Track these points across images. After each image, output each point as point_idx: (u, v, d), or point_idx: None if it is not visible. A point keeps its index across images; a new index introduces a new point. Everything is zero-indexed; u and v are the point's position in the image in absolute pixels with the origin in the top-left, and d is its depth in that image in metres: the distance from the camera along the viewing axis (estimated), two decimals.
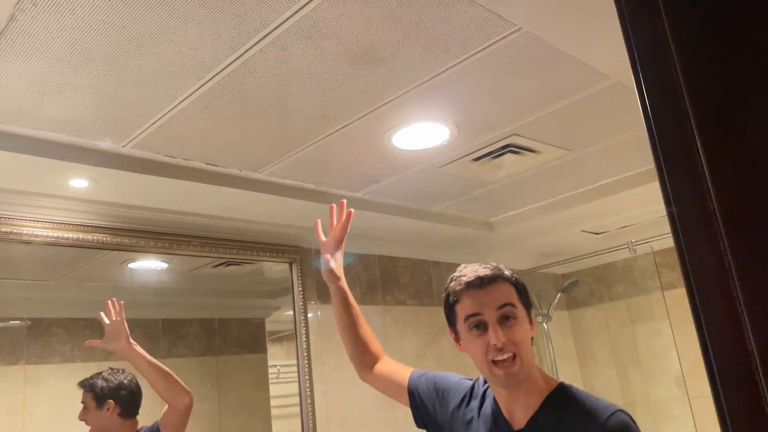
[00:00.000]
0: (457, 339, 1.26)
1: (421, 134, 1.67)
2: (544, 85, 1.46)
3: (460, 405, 1.32)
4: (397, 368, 1.51)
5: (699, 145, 0.59)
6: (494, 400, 1.25)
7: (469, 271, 1.22)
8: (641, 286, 3.20)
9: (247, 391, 2.36)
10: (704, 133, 0.58)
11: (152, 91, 1.30)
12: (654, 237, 2.56)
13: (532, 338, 1.22)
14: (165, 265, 2.18)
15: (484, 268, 1.21)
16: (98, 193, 1.70)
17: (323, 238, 1.56)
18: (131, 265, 2.13)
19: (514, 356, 1.15)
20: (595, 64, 1.38)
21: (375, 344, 1.57)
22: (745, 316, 0.55)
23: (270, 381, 2.34)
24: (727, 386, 0.56)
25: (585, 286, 3.42)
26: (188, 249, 2.01)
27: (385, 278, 2.65)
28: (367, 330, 1.60)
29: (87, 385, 1.77)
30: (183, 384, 1.78)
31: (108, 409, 1.78)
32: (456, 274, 1.24)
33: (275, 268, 2.39)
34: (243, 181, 1.78)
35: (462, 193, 2.21)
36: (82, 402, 1.78)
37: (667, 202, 0.61)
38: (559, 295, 3.31)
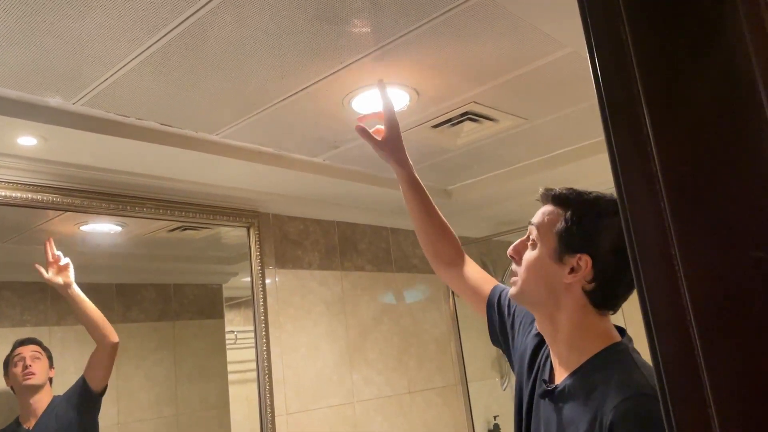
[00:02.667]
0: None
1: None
2: (502, 52, 1.47)
3: (529, 334, 1.23)
4: (480, 275, 1.41)
5: (644, 107, 0.61)
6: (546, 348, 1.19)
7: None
8: None
9: (203, 356, 2.36)
10: (649, 95, 0.59)
11: (103, 46, 1.25)
12: None
13: (567, 284, 1.07)
14: (119, 229, 2.14)
15: (560, 187, 1.16)
16: (48, 152, 1.64)
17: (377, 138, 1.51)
18: (83, 228, 2.08)
19: (516, 275, 1.12)
20: (553, 32, 1.39)
21: (452, 239, 1.45)
22: (681, 272, 0.57)
23: (227, 347, 2.34)
24: (662, 335, 0.59)
25: None
26: (142, 211, 1.97)
27: (344, 244, 2.66)
28: (441, 221, 1.47)
29: (38, 341, 1.83)
30: (111, 327, 1.90)
31: (52, 369, 1.85)
32: None
33: (233, 234, 2.37)
34: (199, 142, 1.75)
35: (421, 160, 2.22)
36: (33, 352, 1.84)
37: (613, 163, 0.63)
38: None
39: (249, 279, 2.28)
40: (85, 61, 1.30)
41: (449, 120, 1.86)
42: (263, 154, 1.92)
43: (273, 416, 2.17)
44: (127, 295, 2.13)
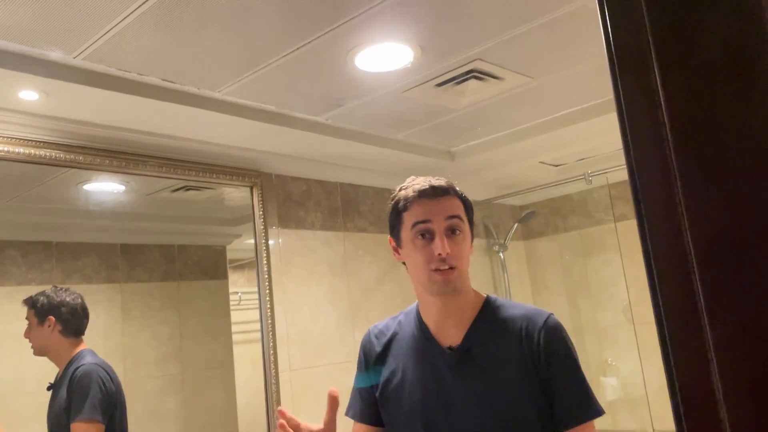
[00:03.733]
0: (397, 248, 1.26)
1: (385, 55, 1.64)
2: (509, 6, 1.44)
3: (371, 351, 1.31)
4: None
5: (653, 53, 0.60)
6: (419, 326, 1.25)
7: (422, 180, 1.22)
8: (595, 218, 3.29)
9: (208, 316, 2.38)
10: (658, 39, 0.59)
11: None
12: (610, 168, 2.62)
13: (470, 256, 1.24)
14: (122, 188, 2.14)
15: (437, 179, 1.22)
16: (49, 108, 1.63)
17: None
18: (86, 187, 2.08)
19: (453, 268, 1.17)
20: None
21: None
22: (685, 219, 0.57)
23: (231, 307, 2.37)
24: (664, 280, 0.59)
25: (541, 218, 3.51)
26: (145, 169, 1.96)
27: (347, 205, 2.67)
28: None
29: (30, 302, 1.78)
30: None
31: (49, 326, 1.78)
32: (407, 183, 1.25)
33: (236, 195, 2.38)
34: (201, 99, 1.73)
35: (425, 120, 2.21)
36: (27, 319, 1.79)
37: (619, 109, 0.63)
38: (516, 225, 3.39)
39: (252, 241, 2.29)
40: (84, 14, 1.29)
41: (454, 78, 1.84)
42: (266, 113, 1.91)
43: (277, 372, 2.20)
44: (132, 255, 2.14)
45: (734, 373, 0.54)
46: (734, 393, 0.53)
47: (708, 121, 0.57)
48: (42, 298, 1.79)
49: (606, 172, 2.67)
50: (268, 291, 2.26)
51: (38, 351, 1.80)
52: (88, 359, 1.81)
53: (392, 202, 1.26)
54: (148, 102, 1.65)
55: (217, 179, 2.17)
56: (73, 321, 1.82)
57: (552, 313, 1.21)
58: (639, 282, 2.85)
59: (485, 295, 1.25)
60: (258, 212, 2.29)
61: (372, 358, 1.30)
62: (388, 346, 1.28)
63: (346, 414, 1.36)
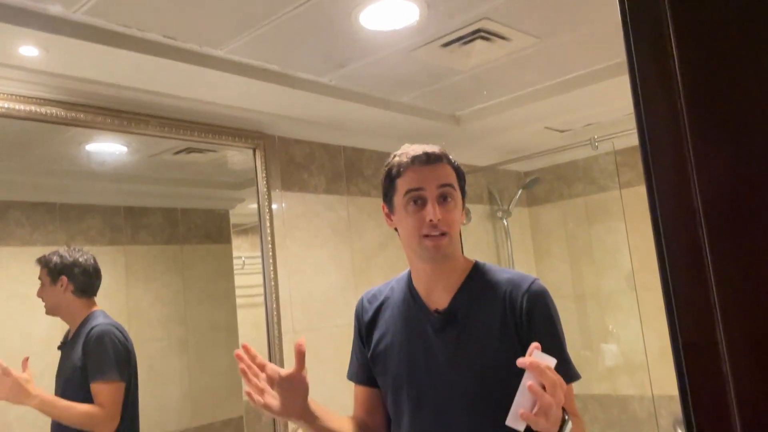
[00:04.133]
0: (390, 214, 1.29)
1: (391, 13, 1.61)
2: None
3: (363, 316, 1.33)
4: (365, 399, 1.37)
5: (668, 11, 0.58)
6: (409, 291, 1.28)
7: (416, 147, 1.25)
8: (600, 185, 3.27)
9: (212, 280, 2.39)
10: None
11: None
12: (617, 133, 2.59)
13: (462, 224, 1.27)
14: (124, 149, 2.13)
15: (431, 147, 1.24)
16: (50, 64, 1.61)
17: (275, 405, 1.16)
18: (88, 147, 2.07)
19: (444, 234, 1.19)
20: None
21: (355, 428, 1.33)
22: (694, 174, 0.56)
23: (235, 272, 2.37)
24: (671, 236, 0.58)
25: (546, 184, 3.49)
26: (147, 129, 1.95)
27: (350, 169, 2.65)
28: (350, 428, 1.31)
29: (43, 261, 1.78)
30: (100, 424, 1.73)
31: (61, 286, 1.79)
32: (401, 150, 1.27)
33: (238, 159, 2.36)
34: (203, 57, 1.71)
35: (430, 82, 2.18)
36: (39, 278, 1.80)
37: (630, 63, 0.61)
38: (520, 191, 3.37)
39: (255, 206, 2.29)
40: None
41: (460, 38, 1.80)
42: (269, 72, 1.88)
43: (280, 334, 2.22)
44: (136, 217, 2.15)
45: (739, 329, 0.53)
46: (738, 349, 0.53)
47: (722, 77, 0.56)
48: (55, 257, 1.80)
49: (612, 138, 2.64)
50: (271, 253, 2.26)
51: (50, 310, 1.81)
52: (101, 319, 1.83)
53: (386, 169, 1.28)
54: (149, 59, 1.62)
55: (219, 140, 2.15)
56: (86, 281, 1.83)
57: (537, 279, 1.23)
58: (642, 249, 2.85)
59: (473, 261, 1.29)
60: (261, 174, 2.28)
61: (364, 323, 1.34)
62: (379, 311, 1.32)
63: (347, 377, 1.40)
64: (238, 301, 2.37)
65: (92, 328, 1.80)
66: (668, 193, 0.59)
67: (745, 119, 0.55)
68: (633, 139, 2.86)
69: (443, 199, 1.20)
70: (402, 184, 1.22)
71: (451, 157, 1.26)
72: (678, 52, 0.58)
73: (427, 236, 1.19)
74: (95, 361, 1.77)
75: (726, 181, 0.56)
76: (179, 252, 2.28)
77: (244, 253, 2.38)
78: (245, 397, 1.18)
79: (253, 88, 1.92)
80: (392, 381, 1.27)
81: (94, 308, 1.85)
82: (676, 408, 3.05)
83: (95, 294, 1.87)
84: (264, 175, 2.28)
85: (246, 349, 1.20)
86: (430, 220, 1.17)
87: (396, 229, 1.29)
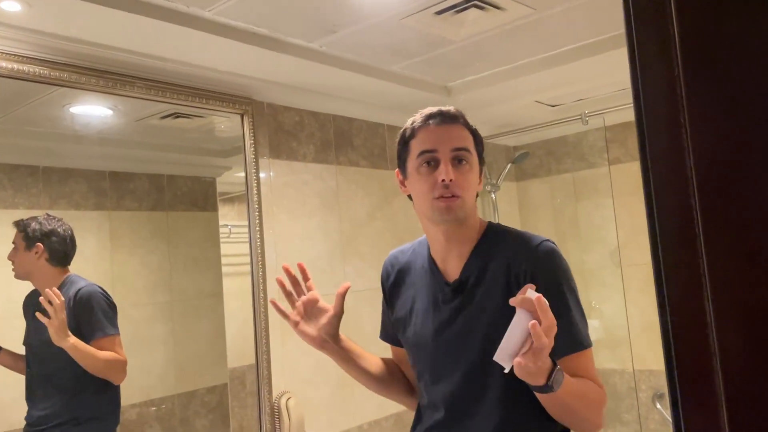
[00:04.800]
0: (403, 180, 1.24)
1: None
2: None
3: (387, 280, 1.34)
4: (397, 360, 1.41)
5: None
6: (428, 259, 1.25)
7: (431, 107, 1.19)
8: (589, 161, 3.28)
9: (198, 247, 2.38)
10: None
11: None
12: (608, 108, 2.58)
13: (478, 193, 1.21)
14: (109, 112, 2.09)
15: (447, 107, 1.18)
16: (33, 20, 1.57)
17: (311, 331, 1.28)
18: (73, 110, 2.03)
19: (457, 197, 1.15)
20: None
21: (401, 382, 1.39)
22: (688, 139, 0.56)
23: (221, 240, 2.36)
24: (663, 201, 0.58)
25: (535, 159, 3.49)
26: (132, 90, 1.91)
27: (340, 138, 2.63)
28: (387, 367, 1.39)
29: (21, 225, 1.78)
30: (118, 371, 1.83)
31: (36, 252, 1.79)
32: (416, 114, 1.21)
33: (226, 126, 2.33)
34: (190, 18, 1.67)
35: (422, 51, 2.15)
36: (13, 242, 1.79)
37: (627, 24, 0.60)
38: (509, 166, 3.37)
39: (242, 175, 2.26)
40: None
41: (454, 6, 1.78)
42: (258, 36, 1.85)
43: (266, 301, 2.22)
44: (121, 182, 2.12)
45: (727, 298, 0.53)
46: (725, 318, 0.53)
47: (721, 43, 0.55)
48: (34, 224, 1.80)
49: (603, 113, 2.63)
50: (258, 221, 2.25)
51: (21, 275, 1.81)
52: (82, 282, 1.84)
53: (400, 132, 1.24)
54: (135, 18, 1.58)
55: (206, 105, 2.12)
56: (61, 251, 1.84)
57: (546, 240, 1.17)
58: (628, 226, 2.87)
59: (487, 223, 1.24)
60: (249, 141, 2.25)
61: (388, 287, 1.34)
62: (400, 276, 1.31)
63: (379, 337, 1.42)
64: (224, 269, 2.36)
65: (78, 291, 1.81)
66: (662, 159, 0.59)
67: (742, 87, 0.54)
68: (623, 116, 2.86)
69: (458, 161, 1.15)
70: (415, 146, 1.18)
71: (468, 119, 1.20)
72: (677, 16, 0.57)
73: (439, 198, 1.15)
74: (93, 320, 1.81)
75: (720, 149, 0.55)
76: (165, 219, 2.26)
77: (230, 221, 2.36)
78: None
79: (241, 52, 1.89)
80: (410, 348, 1.27)
81: (68, 273, 1.86)
82: (656, 382, 3.12)
83: (69, 263, 1.87)
84: (252, 142, 2.26)
85: (302, 269, 1.31)
86: (443, 180, 1.13)
87: (410, 197, 1.24)
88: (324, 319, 1.27)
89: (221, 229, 2.36)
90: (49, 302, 1.70)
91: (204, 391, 2.28)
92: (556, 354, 1.07)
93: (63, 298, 1.72)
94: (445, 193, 1.14)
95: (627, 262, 2.85)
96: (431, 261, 1.24)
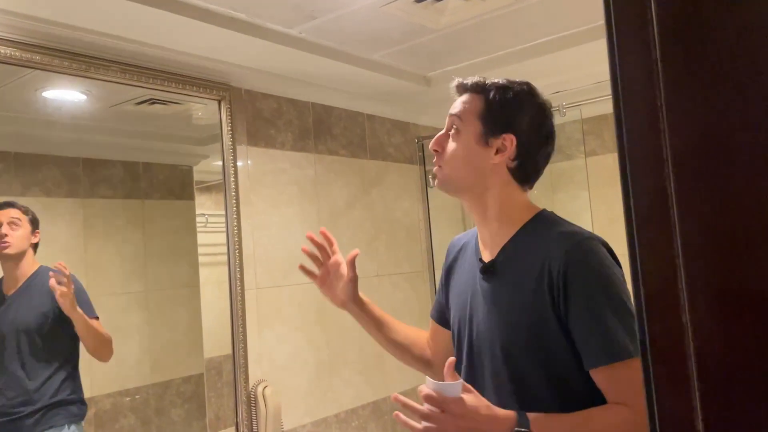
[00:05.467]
0: None
1: None
2: None
3: (452, 263, 1.34)
4: (433, 335, 1.42)
5: None
6: (475, 241, 1.25)
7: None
8: (566, 153, 3.30)
9: (173, 236, 2.35)
10: None
11: None
12: (585, 100, 2.60)
13: (493, 165, 1.14)
14: (83, 97, 2.05)
15: (473, 77, 1.18)
16: (4, 0, 1.53)
17: (332, 292, 1.38)
18: (45, 94, 1.99)
19: (438, 167, 1.18)
20: None
21: (419, 343, 1.43)
22: (665, 124, 0.56)
23: (198, 229, 2.34)
24: (638, 187, 0.58)
25: None
26: (107, 74, 1.87)
27: (319, 126, 2.61)
28: (408, 331, 1.44)
29: (23, 208, 1.85)
30: (109, 349, 1.92)
31: (35, 238, 1.88)
32: None
33: (203, 113, 2.30)
34: (167, 1, 1.64)
35: (402, 40, 2.14)
36: (16, 219, 1.85)
37: (607, 12, 0.60)
38: None
39: (219, 163, 2.24)
40: None
41: None
42: (236, 21, 1.82)
43: (243, 291, 2.20)
44: (95, 169, 2.09)
45: (700, 281, 0.54)
46: (698, 299, 0.54)
47: (698, 26, 0.55)
48: (31, 210, 1.86)
49: (580, 105, 2.65)
50: (235, 209, 2.23)
51: (13, 254, 1.85)
52: (53, 271, 1.87)
53: None
54: (110, 0, 1.55)
55: (183, 90, 2.08)
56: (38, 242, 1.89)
57: (589, 238, 1.08)
58: (603, 216, 2.90)
59: (536, 212, 1.18)
60: (226, 128, 2.22)
61: (446, 267, 1.36)
62: (457, 257, 1.32)
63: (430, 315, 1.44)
64: (201, 258, 2.34)
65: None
66: (638, 141, 0.59)
67: (719, 71, 0.54)
68: (600, 108, 2.89)
69: (449, 128, 1.17)
70: None
71: (486, 83, 1.16)
72: (656, 3, 0.57)
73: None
74: (81, 300, 1.87)
75: (696, 132, 0.55)
76: (140, 207, 2.23)
77: (207, 210, 2.34)
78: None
79: (219, 37, 1.86)
80: (454, 328, 1.28)
81: (40, 265, 1.89)
82: None
83: (34, 251, 1.92)
84: (229, 129, 2.23)
85: (325, 235, 1.39)
86: (430, 146, 1.18)
87: None
88: (341, 284, 1.35)
89: (198, 218, 2.34)
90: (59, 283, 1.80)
91: (180, 381, 2.26)
92: (587, 365, 1.03)
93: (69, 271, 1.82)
94: (435, 162, 1.18)
95: None
96: (477, 242, 1.25)
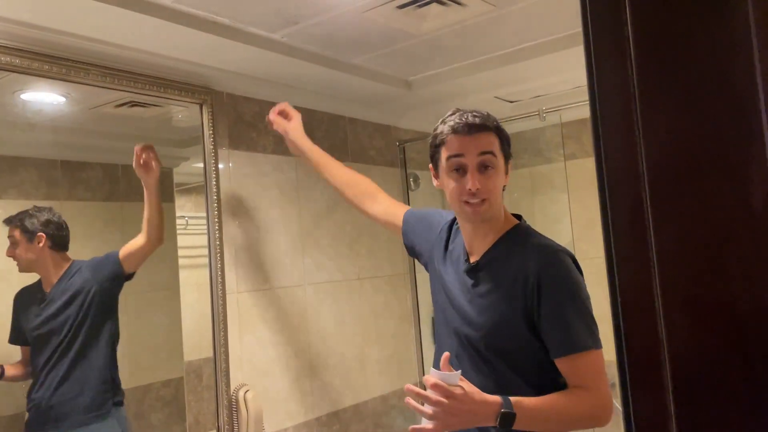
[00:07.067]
0: (436, 175, 1.41)
1: None
2: None
3: (439, 233, 1.53)
4: (393, 209, 1.72)
5: None
6: (461, 238, 1.44)
7: (458, 116, 1.32)
8: (546, 157, 3.34)
9: None
10: None
11: None
12: (564, 105, 2.64)
13: (505, 186, 1.38)
14: (62, 99, 2.03)
15: (474, 116, 1.31)
16: None
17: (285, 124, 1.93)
18: (24, 96, 1.97)
19: (484, 201, 1.30)
20: None
21: (362, 185, 1.80)
22: (640, 136, 0.58)
23: (178, 232, 2.32)
24: (615, 197, 0.60)
25: None
26: (87, 78, 1.85)
27: None
28: (346, 173, 1.84)
29: (14, 221, 1.83)
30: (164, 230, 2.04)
31: (39, 243, 1.87)
32: (446, 116, 1.37)
33: (184, 115, 2.29)
34: (148, 5, 1.63)
35: (383, 45, 2.15)
36: (10, 238, 1.82)
37: (584, 19, 0.62)
38: None
39: (200, 165, 2.23)
40: None
41: (416, 0, 1.79)
42: (218, 25, 1.82)
43: (224, 294, 2.19)
44: (73, 172, 2.06)
45: (673, 289, 0.56)
46: (672, 307, 0.56)
47: (672, 43, 0.57)
48: (28, 218, 1.87)
49: (560, 110, 2.69)
50: (216, 211, 2.22)
51: (26, 267, 1.88)
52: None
53: (432, 134, 1.40)
54: (90, 3, 1.53)
55: (164, 94, 2.07)
56: (60, 236, 1.93)
57: (558, 250, 1.29)
58: (582, 220, 2.94)
59: (516, 222, 1.40)
60: (207, 132, 2.21)
61: (443, 239, 1.52)
62: (448, 240, 1.50)
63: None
64: (181, 261, 2.32)
65: (90, 261, 1.99)
66: (615, 154, 0.61)
67: (692, 86, 0.56)
68: (579, 113, 2.92)
69: (484, 167, 1.29)
70: (444, 152, 1.33)
71: (494, 122, 1.33)
72: (632, 17, 0.59)
73: (467, 203, 1.30)
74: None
75: (671, 145, 0.57)
76: (119, 209, 2.21)
77: (187, 212, 2.32)
78: None
79: (200, 41, 1.86)
80: (436, 312, 1.48)
81: (72, 260, 1.96)
82: (607, 372, 3.20)
83: (68, 249, 1.96)
84: (211, 132, 2.22)
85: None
86: (469, 189, 1.27)
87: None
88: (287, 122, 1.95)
89: (178, 221, 2.32)
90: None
91: (159, 385, 2.24)
92: (553, 355, 1.26)
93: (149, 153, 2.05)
94: (471, 200, 1.30)
95: (581, 255, 2.90)
96: (462, 240, 1.44)
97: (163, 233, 2.06)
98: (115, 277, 2.02)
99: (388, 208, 1.71)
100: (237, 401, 2.19)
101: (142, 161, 2.02)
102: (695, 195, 0.57)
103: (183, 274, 2.30)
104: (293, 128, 1.94)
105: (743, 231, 0.54)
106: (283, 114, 1.97)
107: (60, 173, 2.03)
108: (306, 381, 2.48)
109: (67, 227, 1.97)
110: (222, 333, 2.18)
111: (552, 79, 2.59)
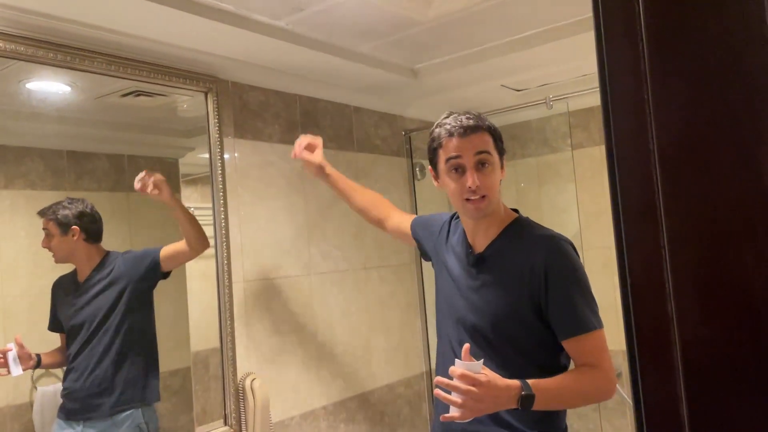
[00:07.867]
0: (436, 177, 1.49)
1: None
2: None
3: (440, 233, 1.61)
4: (402, 223, 1.82)
5: None
6: (463, 230, 1.51)
7: (453, 119, 1.41)
8: (552, 147, 3.32)
9: (159, 229, 2.33)
10: None
11: None
12: (572, 93, 2.62)
13: (501, 180, 1.45)
14: (67, 89, 2.03)
15: (468, 118, 1.39)
16: None
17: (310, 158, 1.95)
18: (29, 86, 1.96)
19: (484, 197, 1.37)
20: None
21: (378, 208, 1.91)
22: (652, 118, 0.57)
23: None
24: (626, 179, 0.59)
25: None
26: (92, 66, 1.85)
27: (306, 119, 2.61)
28: (364, 198, 1.94)
29: (49, 213, 1.85)
30: (205, 238, 2.05)
31: (73, 235, 1.89)
32: (441, 120, 1.45)
33: (190, 105, 2.28)
34: None
35: (389, 32, 2.14)
36: (45, 230, 1.85)
37: (595, 8, 0.61)
38: None
39: (206, 156, 2.22)
40: None
41: None
42: (222, 12, 1.81)
43: (230, 284, 2.20)
44: (79, 162, 2.06)
45: (685, 272, 0.55)
46: (683, 290, 0.55)
47: (684, 20, 0.56)
48: (62, 209, 1.89)
49: (567, 98, 2.67)
50: (222, 201, 2.22)
51: (62, 259, 1.90)
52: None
53: (429, 138, 1.47)
54: None
55: (169, 82, 2.06)
56: (94, 228, 1.95)
57: (561, 240, 1.37)
58: (589, 209, 2.92)
59: (516, 215, 1.48)
60: (213, 120, 2.21)
61: (444, 236, 1.60)
62: (449, 234, 1.58)
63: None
64: None
65: (125, 254, 2.02)
66: (625, 135, 0.60)
67: (704, 65, 0.55)
68: (586, 101, 2.90)
69: (481, 165, 1.37)
70: (442, 154, 1.41)
71: (486, 122, 1.41)
72: (644, 4, 0.58)
73: (468, 200, 1.37)
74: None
75: (682, 126, 0.56)
76: (125, 200, 2.21)
77: (193, 203, 2.32)
78: None
79: (205, 28, 1.85)
80: (440, 303, 1.54)
81: (107, 252, 1.99)
82: (614, 361, 3.20)
83: (101, 239, 1.98)
84: (216, 121, 2.22)
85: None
86: (469, 187, 1.35)
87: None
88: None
89: None
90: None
91: (167, 375, 2.25)
92: (561, 337, 1.34)
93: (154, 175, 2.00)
94: (472, 197, 1.38)
95: (588, 245, 2.91)
96: (463, 233, 1.51)
97: (203, 239, 2.06)
98: (152, 275, 2.04)
99: (399, 223, 1.82)
100: (244, 390, 2.20)
101: (149, 190, 1.99)
102: (707, 176, 0.56)
103: (189, 265, 2.31)
104: (322, 164, 1.98)
105: (755, 212, 0.53)
106: (308, 147, 1.99)
107: (66, 163, 2.03)
108: (312, 370, 2.48)
109: (100, 218, 1.98)
110: (228, 322, 2.18)
111: (559, 67, 2.57)
